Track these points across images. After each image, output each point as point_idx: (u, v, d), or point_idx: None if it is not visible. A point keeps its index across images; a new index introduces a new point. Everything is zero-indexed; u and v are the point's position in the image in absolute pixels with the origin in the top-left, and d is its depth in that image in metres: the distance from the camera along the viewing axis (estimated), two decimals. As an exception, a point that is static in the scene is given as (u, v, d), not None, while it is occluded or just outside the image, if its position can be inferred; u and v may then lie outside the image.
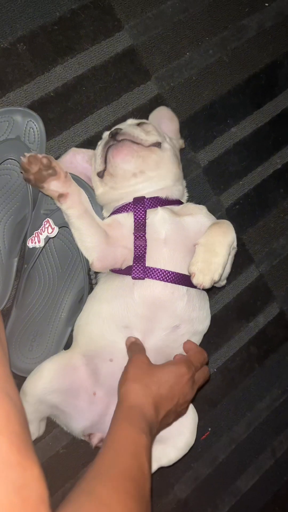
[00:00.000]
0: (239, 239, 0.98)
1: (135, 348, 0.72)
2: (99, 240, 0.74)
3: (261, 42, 1.02)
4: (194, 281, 0.70)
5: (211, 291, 0.94)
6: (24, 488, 0.41)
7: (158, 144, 0.77)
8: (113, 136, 0.76)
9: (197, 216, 0.77)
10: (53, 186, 0.71)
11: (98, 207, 0.82)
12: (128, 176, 0.75)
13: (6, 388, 0.45)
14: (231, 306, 0.98)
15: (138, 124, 0.79)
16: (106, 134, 0.80)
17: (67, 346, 0.81)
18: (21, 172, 0.72)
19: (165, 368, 0.69)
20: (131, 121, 0.82)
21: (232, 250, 0.75)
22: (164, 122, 0.86)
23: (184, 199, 0.84)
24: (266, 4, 1.03)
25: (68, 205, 0.73)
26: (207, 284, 0.70)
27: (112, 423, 0.64)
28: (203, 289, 0.73)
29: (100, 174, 0.77)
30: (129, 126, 0.79)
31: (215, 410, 0.97)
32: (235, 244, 0.75)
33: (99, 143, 0.80)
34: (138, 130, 0.77)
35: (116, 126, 0.80)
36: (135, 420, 0.63)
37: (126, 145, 0.74)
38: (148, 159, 0.75)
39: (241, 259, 0.99)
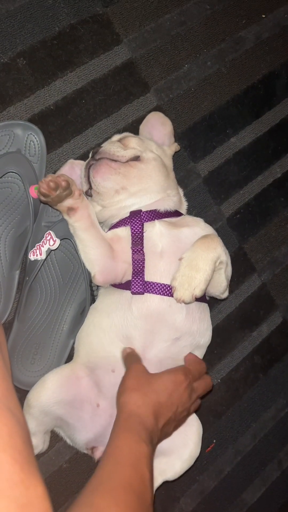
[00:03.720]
0: (240, 248, 0.99)
1: (131, 359, 0.71)
2: (102, 253, 0.74)
3: (258, 53, 1.03)
4: (174, 295, 0.70)
5: (214, 301, 0.94)
6: (27, 506, 0.40)
7: (136, 158, 0.76)
8: (93, 155, 0.77)
9: (194, 228, 0.77)
10: (66, 203, 0.72)
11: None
12: (111, 193, 0.75)
13: (8, 403, 0.44)
14: (234, 315, 0.98)
15: (120, 139, 0.79)
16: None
17: (70, 358, 0.81)
18: (38, 196, 0.72)
19: (163, 376, 0.69)
20: (115, 137, 0.82)
21: (220, 265, 0.74)
22: (156, 128, 0.85)
23: (183, 209, 0.83)
24: (263, 16, 1.04)
25: (77, 218, 0.73)
26: (187, 298, 0.70)
27: (112, 434, 0.63)
28: (185, 303, 0.72)
29: (89, 193, 0.78)
30: (109, 143, 0.79)
31: (219, 421, 0.96)
32: (222, 258, 0.73)
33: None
34: (115, 146, 0.77)
35: (102, 145, 0.80)
36: (134, 429, 0.62)
37: (103, 163, 0.74)
38: (129, 175, 0.75)
39: (243, 268, 0.99)
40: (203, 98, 0.98)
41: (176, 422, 0.70)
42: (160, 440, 0.68)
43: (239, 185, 1.00)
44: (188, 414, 0.73)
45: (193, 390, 0.71)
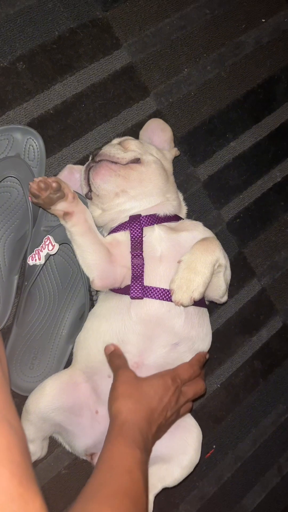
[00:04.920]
0: (240, 253, 0.99)
1: (117, 362, 0.71)
2: (101, 257, 0.74)
3: (258, 58, 1.03)
4: (173, 298, 0.70)
5: (213, 306, 0.94)
6: None
7: (136, 160, 0.76)
8: (93, 157, 0.77)
9: (193, 232, 0.76)
10: (60, 207, 0.71)
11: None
12: (111, 196, 0.75)
13: (6, 415, 0.44)
14: (233, 320, 0.97)
15: (120, 142, 0.79)
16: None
17: (68, 364, 0.81)
18: (29, 196, 0.72)
19: (152, 381, 0.69)
20: (115, 140, 0.82)
21: (219, 268, 0.73)
22: (156, 134, 0.85)
23: (182, 213, 0.83)
24: (263, 20, 1.04)
25: (73, 223, 0.72)
26: (185, 301, 0.69)
27: (106, 440, 0.63)
28: (183, 306, 0.71)
29: (89, 196, 0.77)
30: (109, 145, 0.79)
31: (219, 427, 0.95)
32: (221, 261, 0.73)
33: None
34: (115, 148, 0.76)
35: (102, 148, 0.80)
36: (129, 435, 0.62)
37: (103, 165, 0.74)
38: (129, 177, 0.74)
39: (242, 273, 0.99)
40: (203, 102, 0.98)
41: (166, 426, 0.71)
42: (152, 444, 0.68)
43: (239, 189, 1.00)
44: (177, 417, 0.73)
45: (182, 394, 0.71)
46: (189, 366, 0.73)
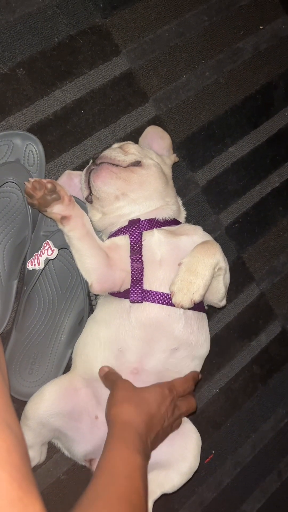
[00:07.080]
0: (239, 257, 0.99)
1: (112, 377, 0.72)
2: (99, 261, 0.74)
3: (256, 64, 1.04)
4: (173, 300, 0.70)
5: (212, 310, 0.94)
6: None
7: (137, 163, 0.77)
8: (94, 160, 0.77)
9: (193, 237, 0.77)
10: (56, 210, 0.71)
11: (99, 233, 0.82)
12: (111, 199, 0.75)
13: (6, 418, 0.44)
14: (232, 325, 0.97)
15: (120, 146, 0.80)
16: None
17: (67, 369, 0.80)
18: (25, 197, 0.72)
19: (151, 389, 0.69)
20: (116, 145, 0.82)
21: (219, 271, 0.74)
22: (155, 141, 0.86)
23: (181, 218, 0.83)
24: (261, 27, 1.05)
25: (71, 227, 0.72)
26: (185, 303, 0.69)
27: (106, 445, 0.63)
28: (183, 308, 0.72)
29: (89, 199, 0.78)
30: (109, 149, 0.79)
31: (218, 432, 0.95)
32: (221, 265, 0.73)
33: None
34: (116, 151, 0.77)
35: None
36: (129, 439, 0.62)
37: (104, 167, 0.75)
38: (130, 180, 0.75)
39: (241, 278, 0.99)
40: (202, 108, 0.98)
41: (162, 436, 0.71)
42: (150, 451, 0.67)
43: (238, 194, 1.00)
44: (171, 431, 0.73)
45: (177, 406, 0.72)
46: (184, 381, 0.74)
